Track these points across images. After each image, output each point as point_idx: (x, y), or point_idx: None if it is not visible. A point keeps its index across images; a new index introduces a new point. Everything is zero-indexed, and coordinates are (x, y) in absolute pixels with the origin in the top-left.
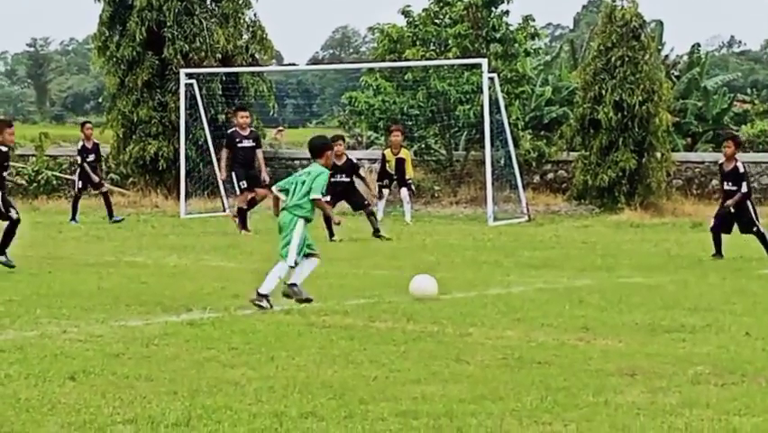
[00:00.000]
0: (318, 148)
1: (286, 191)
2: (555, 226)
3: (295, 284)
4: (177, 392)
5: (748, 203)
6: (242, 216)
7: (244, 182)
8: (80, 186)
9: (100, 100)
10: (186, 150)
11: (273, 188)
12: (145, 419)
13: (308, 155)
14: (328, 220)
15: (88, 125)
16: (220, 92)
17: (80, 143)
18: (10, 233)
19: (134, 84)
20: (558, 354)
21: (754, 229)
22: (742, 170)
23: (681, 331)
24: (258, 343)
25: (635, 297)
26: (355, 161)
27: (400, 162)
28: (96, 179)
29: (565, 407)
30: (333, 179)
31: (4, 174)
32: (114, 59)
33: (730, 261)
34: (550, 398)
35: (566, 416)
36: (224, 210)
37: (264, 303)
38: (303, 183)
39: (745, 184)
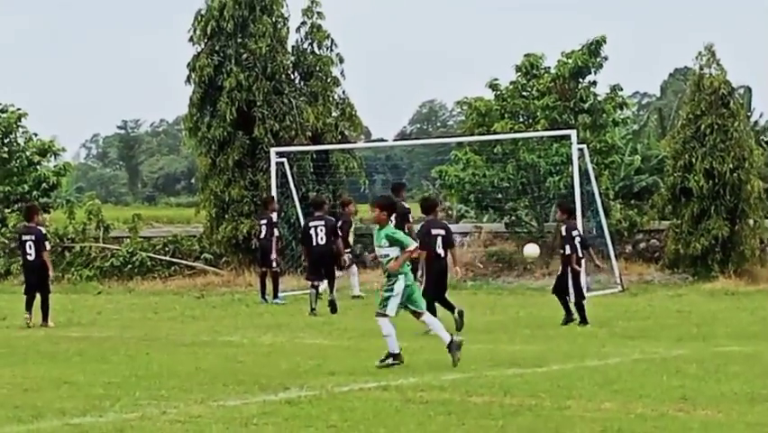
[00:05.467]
0: None
1: None
2: (649, 296)
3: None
4: None
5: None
6: None
7: None
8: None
9: (192, 181)
10: (278, 228)
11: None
12: None
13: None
14: None
15: (275, 201)
16: (311, 170)
17: (274, 216)
18: None
19: (226, 164)
20: (658, 426)
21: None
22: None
23: None
24: (356, 420)
25: (733, 366)
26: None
27: None
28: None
29: None
30: None
31: None
32: (206, 140)
33: None
34: None
35: None
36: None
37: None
38: None
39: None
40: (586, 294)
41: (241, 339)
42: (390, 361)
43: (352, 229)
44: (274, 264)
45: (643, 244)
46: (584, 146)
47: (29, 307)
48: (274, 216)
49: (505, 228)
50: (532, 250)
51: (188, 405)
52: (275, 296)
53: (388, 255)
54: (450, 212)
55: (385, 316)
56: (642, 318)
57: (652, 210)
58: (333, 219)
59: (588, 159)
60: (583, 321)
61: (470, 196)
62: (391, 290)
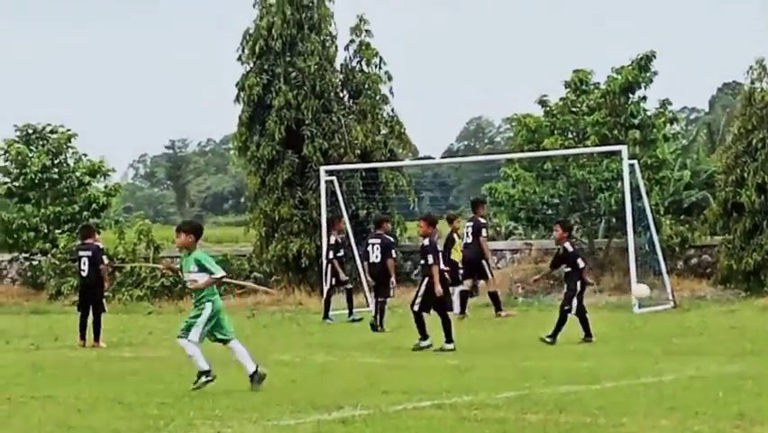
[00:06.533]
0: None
1: None
2: (702, 312)
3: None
4: None
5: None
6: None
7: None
8: (333, 282)
9: (240, 200)
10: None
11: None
12: None
13: None
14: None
15: (343, 219)
16: (360, 188)
17: (332, 238)
18: None
19: (275, 183)
20: None
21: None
22: (571, 250)
23: None
24: None
25: None
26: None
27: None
28: (343, 276)
29: None
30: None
31: None
32: (255, 159)
33: None
34: None
35: None
36: (368, 305)
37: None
38: None
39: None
40: (638, 310)
41: (293, 358)
42: (203, 379)
43: (455, 246)
44: (326, 285)
45: (694, 260)
46: (635, 162)
47: (82, 328)
48: (332, 237)
49: (555, 245)
50: (643, 291)
51: (243, 425)
52: (325, 315)
53: (196, 280)
54: (498, 229)
55: (186, 339)
56: (695, 335)
57: (703, 225)
58: (389, 238)
59: (639, 174)
60: (553, 337)
61: (520, 212)
62: (197, 316)
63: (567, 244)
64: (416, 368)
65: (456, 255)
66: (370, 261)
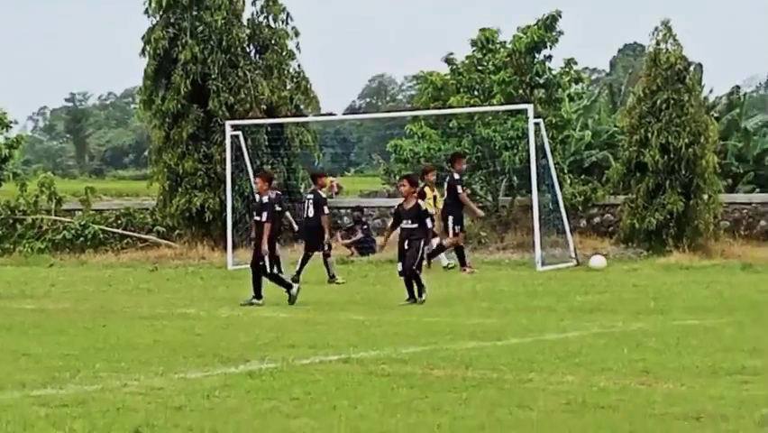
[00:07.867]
0: None
1: None
2: (605, 270)
3: None
4: None
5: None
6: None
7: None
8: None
9: (141, 154)
10: (232, 201)
11: None
12: None
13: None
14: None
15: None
16: (266, 143)
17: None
18: None
19: (180, 137)
20: (621, 399)
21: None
22: (423, 207)
23: (743, 373)
24: (318, 393)
25: (693, 339)
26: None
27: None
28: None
29: None
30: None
31: None
32: (160, 113)
33: None
34: None
35: None
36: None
37: None
38: None
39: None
40: (540, 268)
41: (197, 312)
42: None
43: (428, 198)
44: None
45: (597, 219)
46: (540, 120)
47: None
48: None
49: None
50: (600, 261)
51: (149, 377)
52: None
53: None
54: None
55: None
56: (599, 292)
57: (605, 185)
58: (321, 194)
59: (544, 133)
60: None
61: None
62: None
63: (421, 202)
64: (322, 323)
65: (429, 207)
66: (304, 215)
